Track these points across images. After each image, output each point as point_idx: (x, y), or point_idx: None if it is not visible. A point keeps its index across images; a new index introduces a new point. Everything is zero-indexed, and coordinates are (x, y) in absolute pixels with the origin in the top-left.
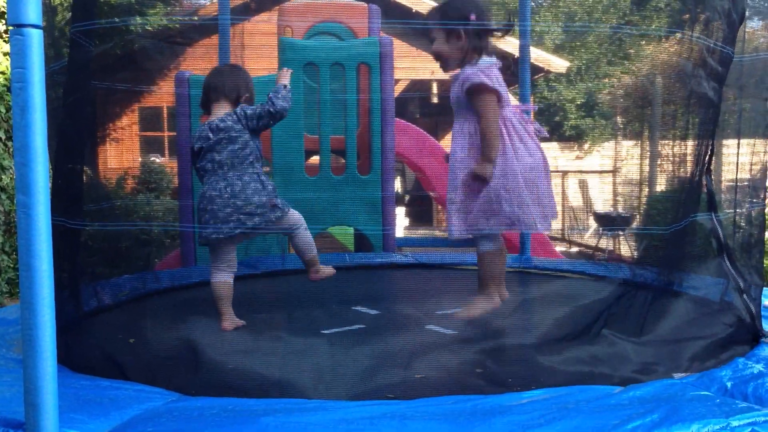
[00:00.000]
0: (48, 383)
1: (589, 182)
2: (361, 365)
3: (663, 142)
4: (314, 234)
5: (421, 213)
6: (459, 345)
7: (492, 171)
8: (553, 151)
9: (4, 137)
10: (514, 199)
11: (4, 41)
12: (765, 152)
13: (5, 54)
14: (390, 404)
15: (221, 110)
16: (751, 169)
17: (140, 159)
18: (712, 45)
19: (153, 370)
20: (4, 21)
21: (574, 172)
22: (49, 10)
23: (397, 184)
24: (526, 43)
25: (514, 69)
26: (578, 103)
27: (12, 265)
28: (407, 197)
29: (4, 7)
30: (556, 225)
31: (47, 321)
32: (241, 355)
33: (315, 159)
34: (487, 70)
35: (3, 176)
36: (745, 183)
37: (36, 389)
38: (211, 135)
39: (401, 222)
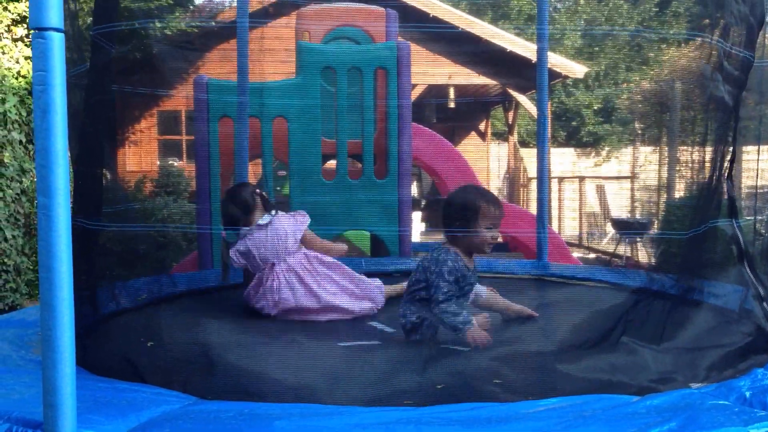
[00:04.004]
0: (66, 384)
1: (607, 188)
2: (377, 371)
3: (682, 147)
4: (330, 238)
5: (437, 217)
6: (475, 352)
7: None
8: (570, 156)
9: (24, 140)
10: None
11: (26, 45)
12: None
13: (26, 58)
14: (405, 410)
15: None
16: None
17: (158, 162)
18: (730, 50)
19: (169, 374)
20: (24, 25)
21: (592, 177)
22: (69, 15)
23: (414, 189)
24: (543, 47)
25: None
26: (596, 108)
27: (31, 267)
28: (424, 202)
29: (25, 11)
30: (573, 231)
31: (66, 322)
32: (258, 359)
33: (332, 163)
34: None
35: (23, 179)
36: (766, 190)
37: (54, 390)
38: None
39: (417, 226)
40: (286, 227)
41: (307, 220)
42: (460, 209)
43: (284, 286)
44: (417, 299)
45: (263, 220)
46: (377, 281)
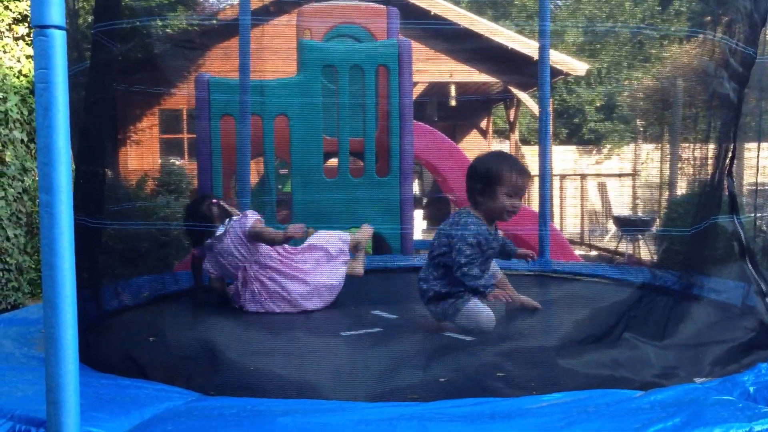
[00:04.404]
0: (70, 381)
1: (609, 185)
2: (380, 367)
3: (684, 145)
4: None
5: (439, 215)
6: (478, 347)
7: None
8: (572, 153)
9: (26, 139)
10: None
11: (27, 44)
12: None
13: (27, 57)
14: (409, 406)
15: None
16: None
17: (160, 160)
18: (733, 46)
19: (173, 370)
20: (26, 24)
21: (594, 175)
22: (71, 13)
23: (415, 187)
24: (545, 44)
25: None
26: (597, 105)
27: (34, 266)
28: (425, 199)
29: (26, 10)
30: (575, 229)
31: (69, 319)
32: (260, 355)
33: (333, 161)
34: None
35: (25, 178)
36: (767, 186)
37: (58, 387)
38: None
39: (419, 224)
40: (239, 232)
41: (254, 217)
42: (482, 173)
43: (268, 284)
44: (440, 264)
45: (219, 230)
46: (335, 233)
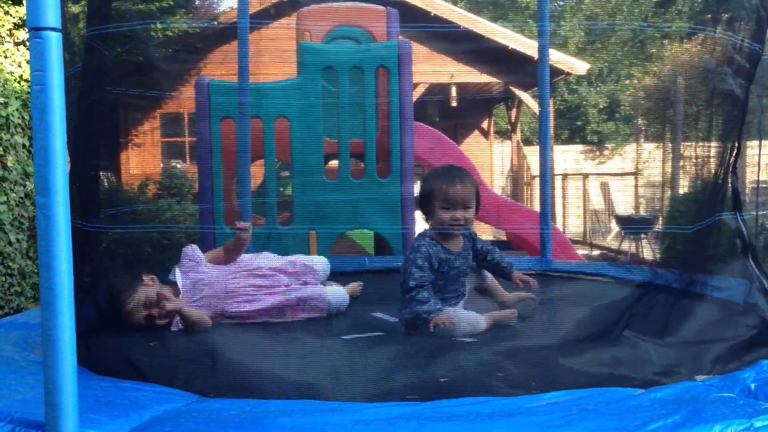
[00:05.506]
0: (68, 383)
1: (611, 185)
2: (379, 367)
3: (686, 143)
4: (333, 237)
5: None
6: (478, 347)
7: None
8: (573, 153)
9: (27, 144)
10: None
11: (28, 49)
12: None
13: (28, 62)
14: (408, 405)
15: None
16: None
17: (161, 164)
18: (739, 42)
19: (172, 372)
20: (26, 29)
21: (596, 174)
22: (71, 18)
23: (416, 187)
24: (544, 44)
25: None
26: (600, 105)
27: (36, 270)
28: None
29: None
30: (577, 228)
31: (67, 321)
32: (259, 356)
33: (334, 162)
34: None
35: (27, 182)
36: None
37: (56, 389)
38: None
39: (420, 225)
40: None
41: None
42: (421, 192)
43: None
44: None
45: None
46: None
